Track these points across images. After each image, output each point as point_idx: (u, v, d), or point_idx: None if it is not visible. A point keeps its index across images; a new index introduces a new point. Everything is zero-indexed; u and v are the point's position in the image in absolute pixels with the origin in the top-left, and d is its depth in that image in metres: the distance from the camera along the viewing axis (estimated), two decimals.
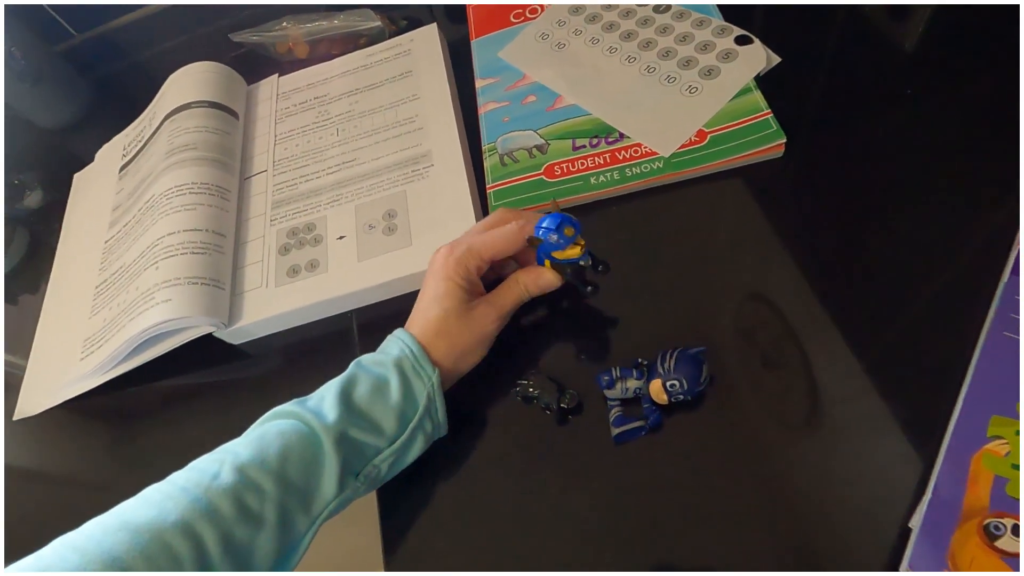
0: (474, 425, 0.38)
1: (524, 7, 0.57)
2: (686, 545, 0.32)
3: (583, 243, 0.35)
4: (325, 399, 0.33)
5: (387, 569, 0.36)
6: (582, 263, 0.36)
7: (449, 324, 0.35)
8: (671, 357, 0.34)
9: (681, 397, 0.34)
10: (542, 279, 0.37)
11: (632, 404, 0.36)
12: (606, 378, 0.35)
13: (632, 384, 0.35)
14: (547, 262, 0.38)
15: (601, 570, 0.32)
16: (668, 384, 0.33)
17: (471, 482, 0.36)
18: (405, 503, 0.37)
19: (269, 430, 0.32)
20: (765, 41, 0.47)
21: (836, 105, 0.45)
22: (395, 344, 0.35)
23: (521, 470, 0.36)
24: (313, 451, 0.32)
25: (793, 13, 0.50)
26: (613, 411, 0.35)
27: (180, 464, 0.32)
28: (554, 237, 0.34)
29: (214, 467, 0.31)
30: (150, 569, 0.27)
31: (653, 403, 0.35)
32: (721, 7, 0.51)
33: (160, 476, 0.31)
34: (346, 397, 0.33)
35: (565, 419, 0.37)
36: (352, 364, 0.35)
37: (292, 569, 0.32)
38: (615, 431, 0.35)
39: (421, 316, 0.36)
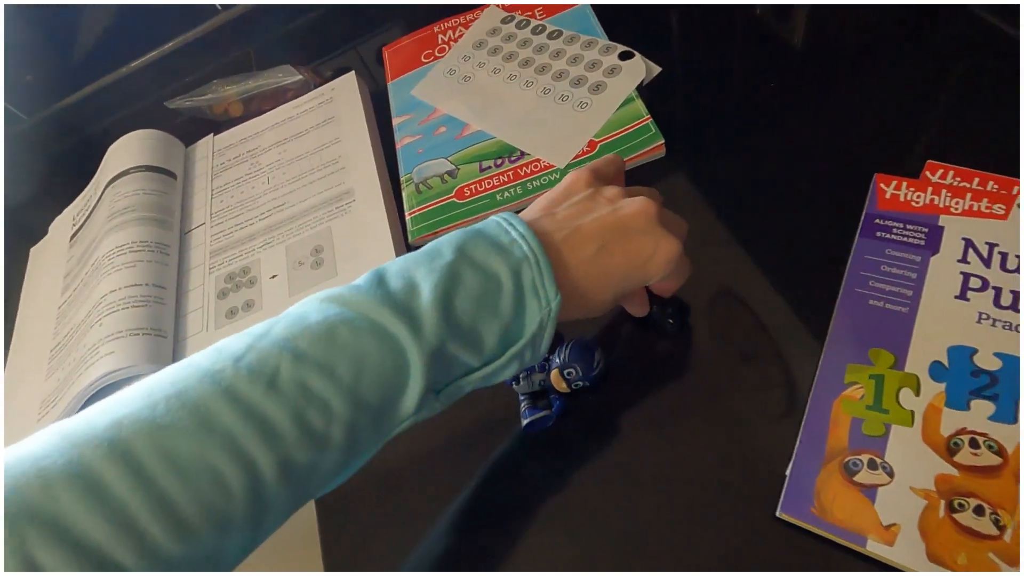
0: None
1: (434, 47, 0.62)
2: (596, 509, 0.35)
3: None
4: (420, 296, 0.26)
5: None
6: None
7: (625, 260, 0.30)
8: (565, 348, 0.37)
9: (580, 383, 0.37)
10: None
11: (541, 396, 0.38)
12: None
13: (536, 377, 0.38)
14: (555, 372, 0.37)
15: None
16: (565, 372, 0.36)
17: (397, 483, 0.39)
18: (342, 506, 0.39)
19: (341, 331, 0.25)
20: (651, 52, 0.52)
21: (713, 104, 0.49)
22: (516, 240, 0.28)
23: (445, 469, 0.39)
24: (397, 367, 0.25)
25: (678, 21, 0.55)
26: (522, 404, 0.38)
27: None
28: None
29: (270, 364, 0.24)
30: (191, 496, 0.22)
31: (557, 392, 0.37)
32: (608, 24, 0.55)
33: None
34: (447, 302, 0.26)
35: None
36: (453, 248, 0.28)
37: (345, 480, 0.28)
38: (524, 422, 0.38)
39: (573, 241, 0.30)
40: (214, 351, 0.25)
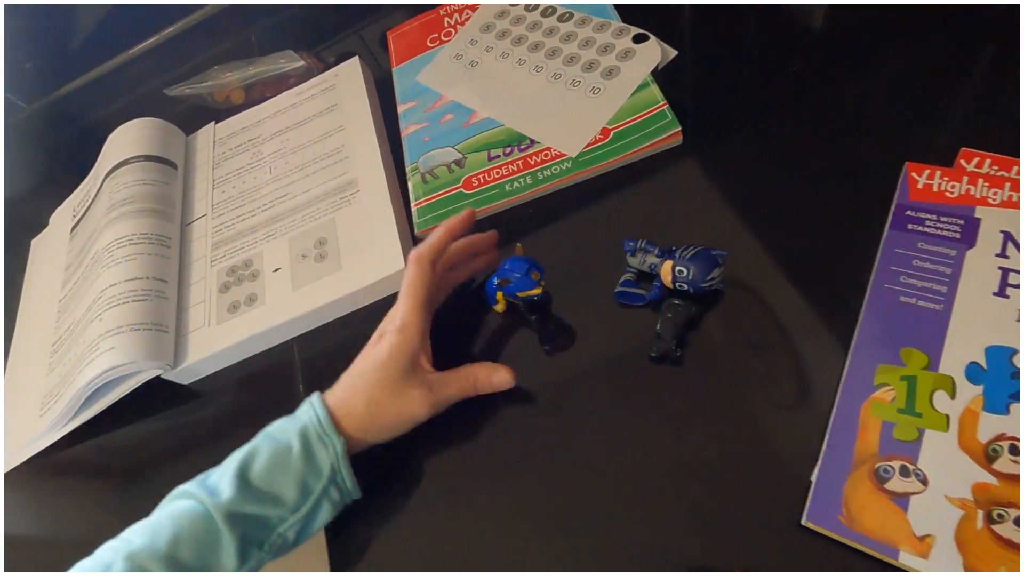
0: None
1: (439, 31, 0.59)
2: (610, 513, 0.33)
3: (544, 284, 0.37)
4: (224, 476, 0.34)
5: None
6: (536, 299, 0.38)
7: (381, 394, 0.35)
8: (692, 249, 0.36)
9: (685, 287, 0.36)
10: (496, 377, 0.37)
11: (646, 279, 0.38)
12: (631, 244, 0.38)
13: (650, 259, 0.37)
14: (499, 295, 0.40)
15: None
16: (676, 269, 0.35)
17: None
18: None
19: (163, 516, 0.33)
20: (666, 35, 0.49)
21: (732, 89, 0.47)
22: (306, 410, 0.36)
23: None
24: (206, 530, 0.32)
25: (693, 2, 0.53)
26: (626, 275, 0.38)
27: (142, 514, 0.34)
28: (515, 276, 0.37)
29: (108, 556, 0.32)
30: None
31: (661, 283, 0.37)
32: (622, 7, 0.53)
33: (121, 527, 0.34)
34: (243, 473, 0.34)
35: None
36: (260, 433, 0.36)
37: None
38: (618, 288, 0.38)
39: (353, 377, 0.36)
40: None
